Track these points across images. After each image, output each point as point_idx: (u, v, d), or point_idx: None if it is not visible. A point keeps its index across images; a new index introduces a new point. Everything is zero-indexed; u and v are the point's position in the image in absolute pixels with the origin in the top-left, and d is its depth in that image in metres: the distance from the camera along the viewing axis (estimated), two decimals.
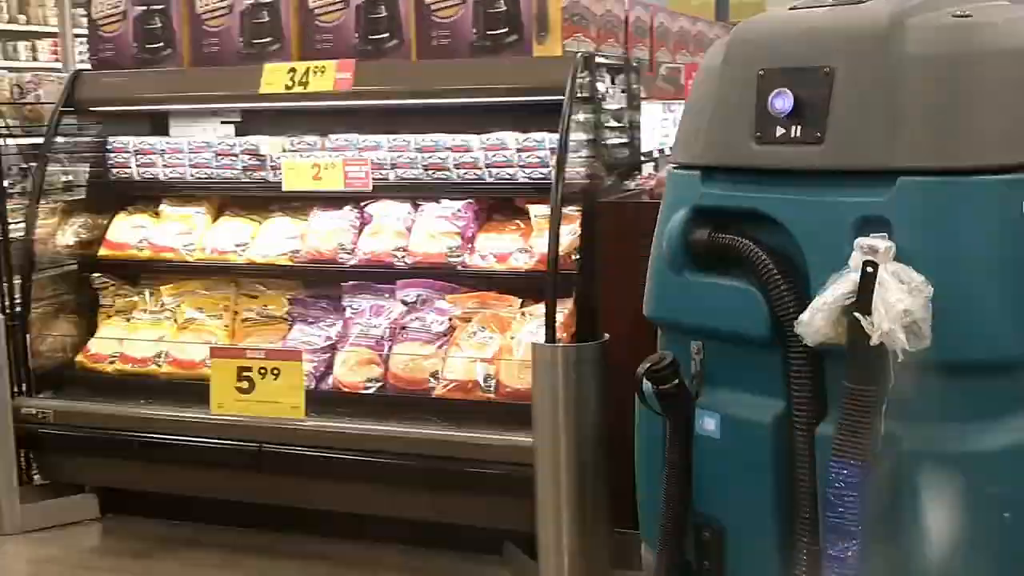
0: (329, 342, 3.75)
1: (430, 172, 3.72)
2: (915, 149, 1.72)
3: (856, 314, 1.61)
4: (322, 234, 3.82)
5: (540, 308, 3.31)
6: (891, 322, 1.58)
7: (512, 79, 3.55)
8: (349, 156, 3.76)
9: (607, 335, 3.24)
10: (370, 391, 3.61)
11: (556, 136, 3.30)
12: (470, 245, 3.68)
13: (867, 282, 1.62)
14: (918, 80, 1.73)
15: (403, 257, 3.70)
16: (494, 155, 3.64)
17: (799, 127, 1.80)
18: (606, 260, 3.31)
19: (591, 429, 3.15)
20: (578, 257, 3.36)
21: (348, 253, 3.77)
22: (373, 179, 3.71)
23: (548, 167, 3.53)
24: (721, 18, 7.67)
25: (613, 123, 3.69)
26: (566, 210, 3.32)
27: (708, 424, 1.87)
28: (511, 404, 3.39)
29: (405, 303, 3.70)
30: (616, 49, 4.78)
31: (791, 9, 2.00)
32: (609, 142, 3.63)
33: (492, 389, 3.44)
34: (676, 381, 1.91)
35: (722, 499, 1.84)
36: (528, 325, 3.48)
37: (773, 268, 1.80)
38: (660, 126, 5.23)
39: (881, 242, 1.65)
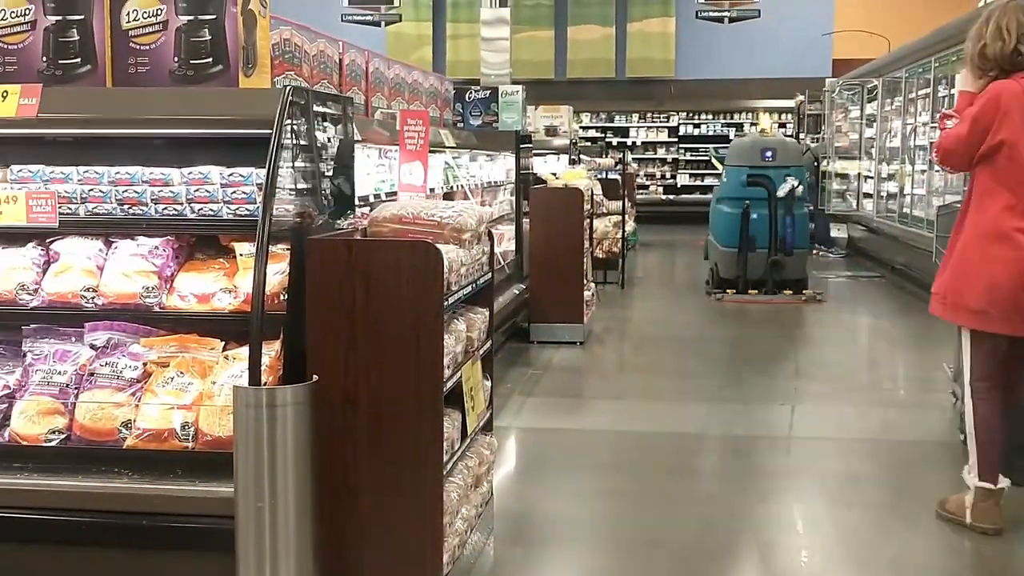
0: (7, 391, 3.39)
1: (125, 207, 3.47)
2: (792, 161, 11.12)
3: (794, 185, 10.73)
4: (0, 273, 3.48)
5: (245, 351, 3.11)
6: (800, 186, 10.84)
7: (218, 110, 3.37)
8: (33, 188, 3.46)
9: (315, 376, 3.11)
10: (52, 443, 3.29)
11: (263, 171, 3.15)
12: (169, 285, 3.45)
13: (798, 184, 10.84)
14: (789, 150, 11.38)
15: (93, 298, 3.42)
16: (197, 190, 3.44)
17: (772, 158, 10.91)
18: (315, 300, 3.20)
19: (298, 475, 2.98)
20: (286, 297, 3.23)
21: (30, 294, 3.45)
22: (61, 214, 3.42)
23: (255, 203, 3.38)
24: (438, 71, 7.82)
25: (325, 161, 3.57)
26: (274, 248, 3.18)
27: (754, 214, 10.63)
28: (212, 453, 3.19)
29: (94, 347, 3.40)
30: (330, 90, 4.71)
31: (759, 134, 12.19)
32: (321, 180, 3.51)
33: (191, 438, 3.22)
34: (748, 207, 10.64)
35: (755, 229, 10.69)
36: (232, 369, 3.29)
37: (767, 184, 10.63)
38: (376, 171, 5.18)
39: (794, 179, 10.81)
